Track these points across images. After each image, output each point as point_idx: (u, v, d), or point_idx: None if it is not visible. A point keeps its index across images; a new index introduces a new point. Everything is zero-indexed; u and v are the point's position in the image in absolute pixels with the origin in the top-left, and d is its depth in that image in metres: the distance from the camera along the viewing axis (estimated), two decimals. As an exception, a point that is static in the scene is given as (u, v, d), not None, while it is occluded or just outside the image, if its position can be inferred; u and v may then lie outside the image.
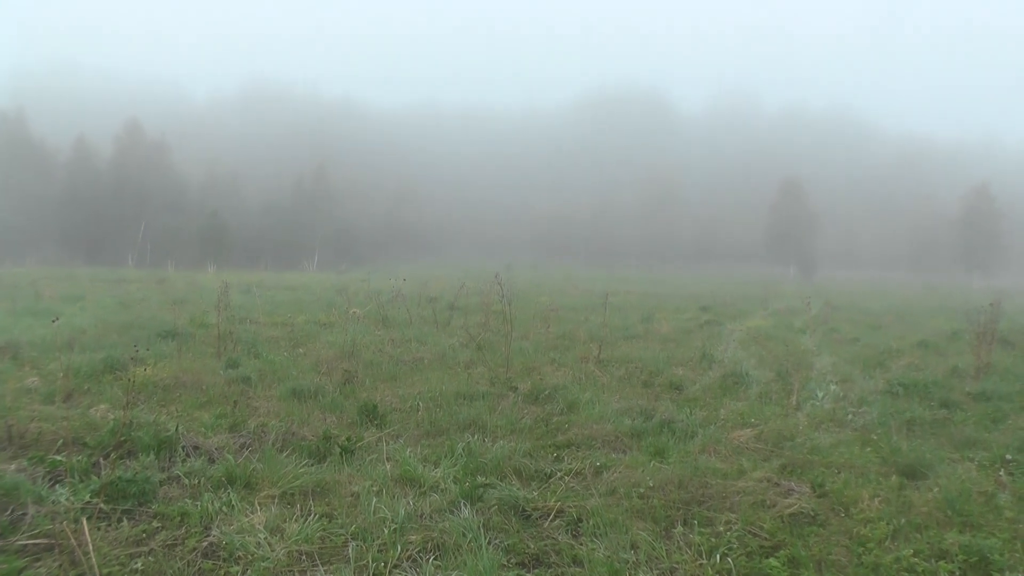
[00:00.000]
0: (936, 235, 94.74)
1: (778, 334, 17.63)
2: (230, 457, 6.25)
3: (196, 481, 5.79)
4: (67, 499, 5.18)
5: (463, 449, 6.89)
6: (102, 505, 5.17)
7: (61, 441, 6.43)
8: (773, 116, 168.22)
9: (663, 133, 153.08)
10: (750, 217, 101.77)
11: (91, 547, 4.54)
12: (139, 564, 4.54)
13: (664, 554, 4.86)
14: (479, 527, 5.09)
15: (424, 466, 6.38)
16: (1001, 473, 6.53)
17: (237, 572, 4.54)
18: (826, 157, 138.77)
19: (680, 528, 5.24)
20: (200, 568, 4.58)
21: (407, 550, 4.83)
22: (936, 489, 5.96)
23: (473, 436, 7.47)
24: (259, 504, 5.43)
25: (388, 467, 6.34)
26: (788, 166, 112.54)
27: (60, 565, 4.46)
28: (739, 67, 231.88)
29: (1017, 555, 4.90)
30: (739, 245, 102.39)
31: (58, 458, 5.91)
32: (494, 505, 5.55)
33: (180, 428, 6.75)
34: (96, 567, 4.42)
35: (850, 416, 8.65)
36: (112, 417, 7.15)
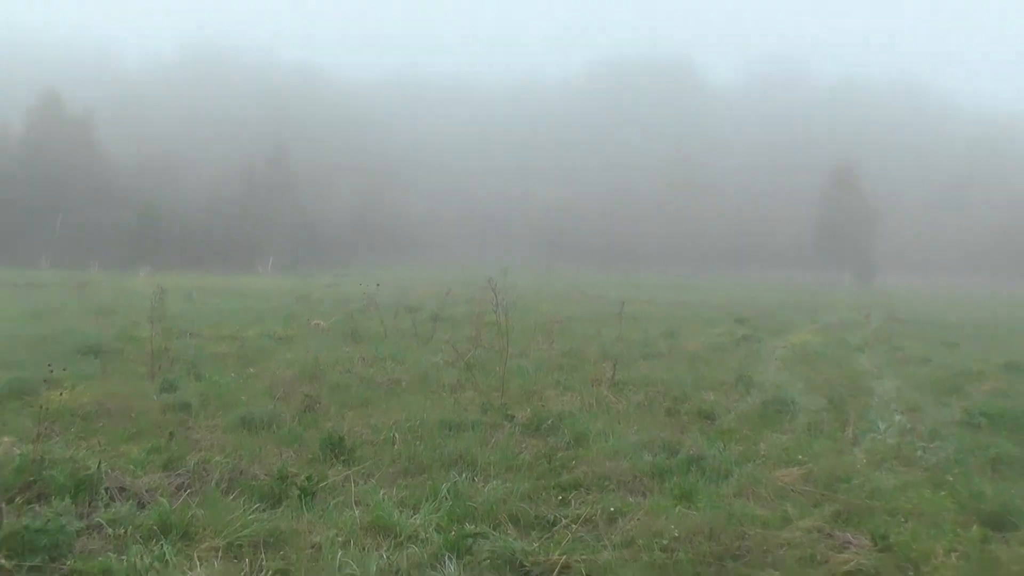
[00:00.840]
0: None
1: (830, 353, 17.64)
2: (164, 501, 6.20)
3: (122, 530, 5.73)
4: (-39, 553, 5.11)
5: (448, 491, 6.87)
6: (2, 561, 5.10)
7: (-45, 482, 6.36)
8: (823, 89, 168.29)
9: (689, 110, 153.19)
10: (795, 211, 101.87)
11: (-9, 611, 4.48)
12: (50, 632, 4.48)
13: (693, 620, 4.81)
14: (467, 586, 5.04)
15: (401, 511, 6.35)
16: (1105, 522, 6.48)
17: (170, 642, 4.48)
18: (888, 139, 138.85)
19: (712, 588, 5.19)
20: (125, 637, 4.52)
21: (379, 615, 4.78)
22: (1027, 542, 5.92)
23: (460, 475, 7.44)
24: (199, 558, 5.38)
25: (357, 513, 6.30)
26: (842, 150, 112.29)
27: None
28: (781, 30, 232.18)
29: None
30: (782, 245, 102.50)
31: (-49, 503, 5.85)
32: (486, 559, 5.51)
33: (103, 466, 6.69)
34: (-3, 635, 4.35)
35: (919, 453, 8.62)
36: (18, 453, 7.07)
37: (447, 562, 5.44)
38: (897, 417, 10.16)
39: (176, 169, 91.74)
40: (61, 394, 9.60)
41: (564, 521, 6.31)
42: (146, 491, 6.50)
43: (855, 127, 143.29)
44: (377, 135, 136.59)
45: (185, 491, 6.70)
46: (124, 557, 5.27)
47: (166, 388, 10.84)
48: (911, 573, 5.50)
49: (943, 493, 7.13)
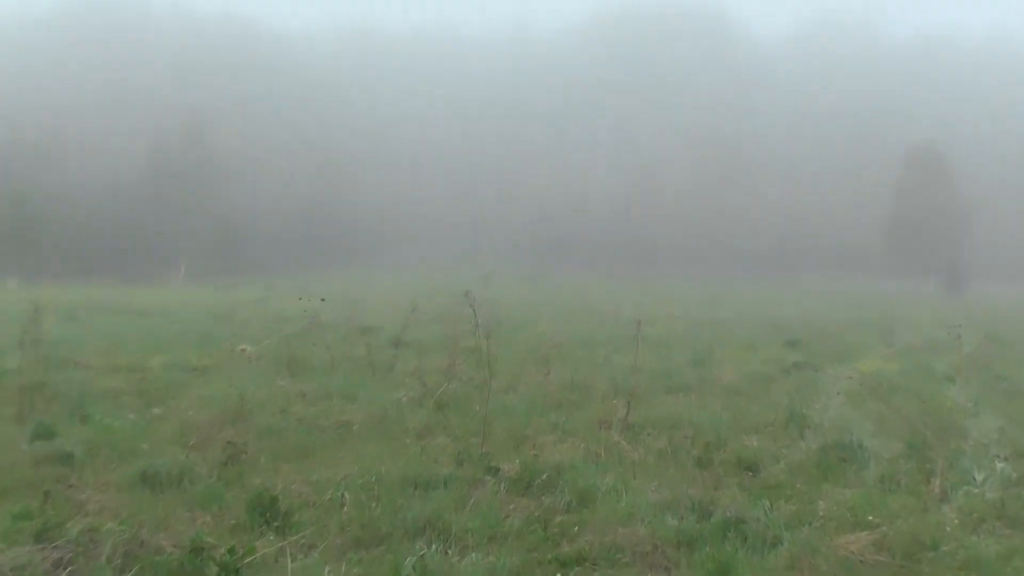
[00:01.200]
0: None
1: (909, 383, 17.65)
2: (37, 582, 6.12)
3: (-22, 623, 5.66)
4: None
5: (414, 566, 6.85)
6: None
7: None
8: (900, 48, 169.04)
9: (726, 71, 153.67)
10: (863, 201, 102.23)
11: None
12: None
13: None
14: None
15: (351, 595, 6.30)
16: None
17: None
18: (981, 110, 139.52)
19: None
20: None
21: None
22: None
23: (429, 546, 7.43)
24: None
25: (293, 597, 6.25)
26: (923, 125, 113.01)
27: None
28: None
29: None
30: (846, 244, 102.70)
31: None
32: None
33: (-45, 536, 6.61)
34: None
35: (1029, 510, 8.63)
36: None
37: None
38: (999, 465, 10.16)
39: (57, 151, 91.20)
40: None
41: (564, 606, 6.27)
42: (11, 570, 6.43)
43: (938, 96, 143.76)
44: (324, 105, 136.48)
45: (65, 569, 6.64)
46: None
47: (41, 434, 10.75)
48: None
49: (1061, 563, 7.13)
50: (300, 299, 20.01)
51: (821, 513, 8.51)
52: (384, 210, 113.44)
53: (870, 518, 8.27)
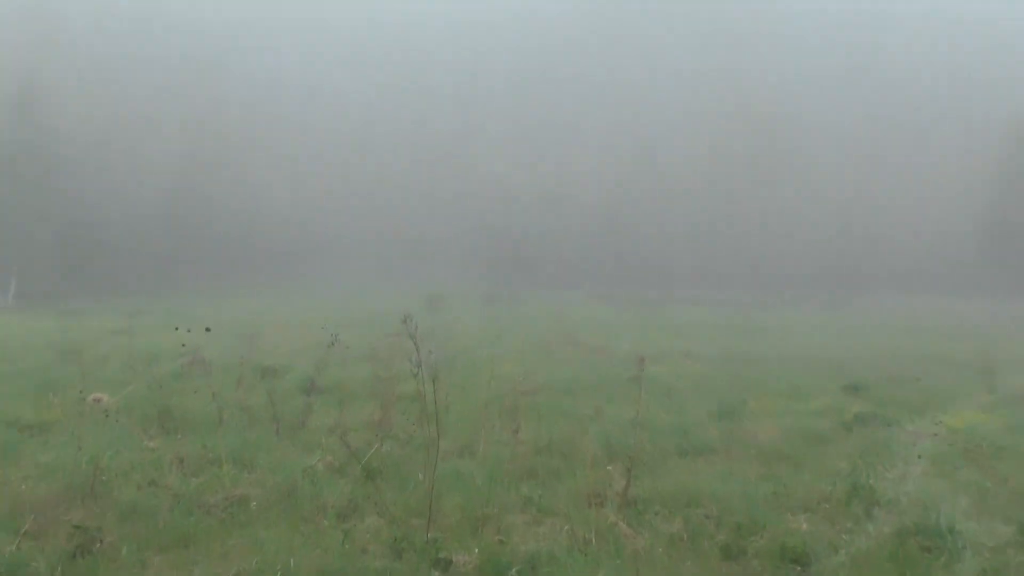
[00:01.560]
0: None
1: (1019, 444, 17.70)
2: None
3: None
4: None
5: None
6: None
7: None
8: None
9: (754, 36, 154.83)
10: (945, 196, 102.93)
11: None
12: None
13: None
14: None
15: None
16: None
17: None
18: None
19: None
20: None
21: None
22: None
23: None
24: None
25: None
26: (1018, 94, 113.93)
27: None
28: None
29: None
30: (923, 254, 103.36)
31: None
32: None
33: None
34: None
35: None
36: None
37: None
38: None
39: None
40: None
41: None
42: None
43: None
44: (211, 70, 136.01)
45: None
46: None
47: None
48: None
49: None
50: (177, 329, 19.96)
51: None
52: (295, 211, 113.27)
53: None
